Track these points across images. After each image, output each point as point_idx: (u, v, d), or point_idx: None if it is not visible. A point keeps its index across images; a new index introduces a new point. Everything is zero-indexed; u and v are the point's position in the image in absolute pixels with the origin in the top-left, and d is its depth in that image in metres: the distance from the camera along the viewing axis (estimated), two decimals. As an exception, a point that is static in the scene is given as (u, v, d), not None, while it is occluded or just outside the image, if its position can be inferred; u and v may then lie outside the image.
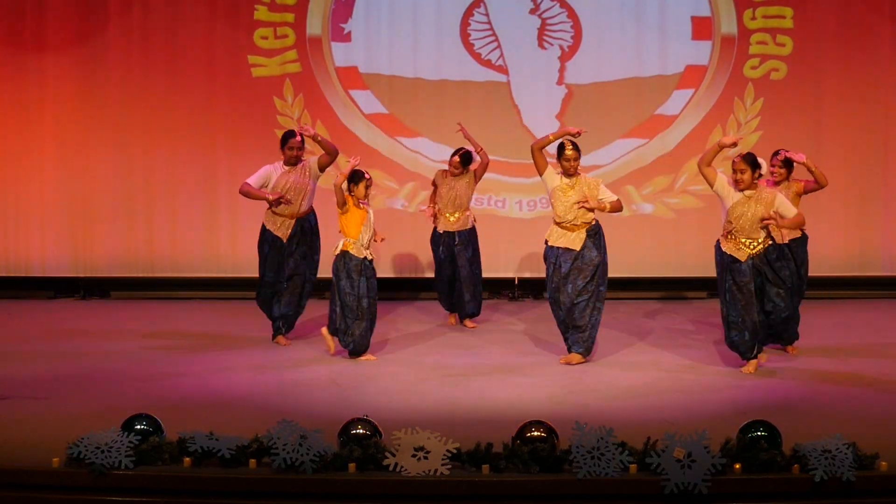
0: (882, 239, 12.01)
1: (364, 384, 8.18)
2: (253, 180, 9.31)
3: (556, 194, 8.70)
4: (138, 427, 6.15)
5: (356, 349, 8.97)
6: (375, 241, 9.09)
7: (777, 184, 9.01)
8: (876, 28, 12.12)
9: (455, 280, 10.43)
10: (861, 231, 12.19)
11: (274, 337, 9.57)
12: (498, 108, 12.26)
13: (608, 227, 11.71)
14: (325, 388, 8.07)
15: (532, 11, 12.26)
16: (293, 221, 9.35)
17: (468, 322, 10.50)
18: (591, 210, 8.73)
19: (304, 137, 9.27)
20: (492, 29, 12.29)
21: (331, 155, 9.31)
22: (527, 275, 12.38)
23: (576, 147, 8.65)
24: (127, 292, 12.48)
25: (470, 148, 10.37)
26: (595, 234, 8.78)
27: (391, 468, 5.90)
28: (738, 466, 5.90)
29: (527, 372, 8.61)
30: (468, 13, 12.29)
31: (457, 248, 10.38)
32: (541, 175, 8.77)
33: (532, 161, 8.82)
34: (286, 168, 9.32)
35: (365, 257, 8.96)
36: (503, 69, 12.28)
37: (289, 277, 9.43)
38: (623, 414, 7.21)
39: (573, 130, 8.64)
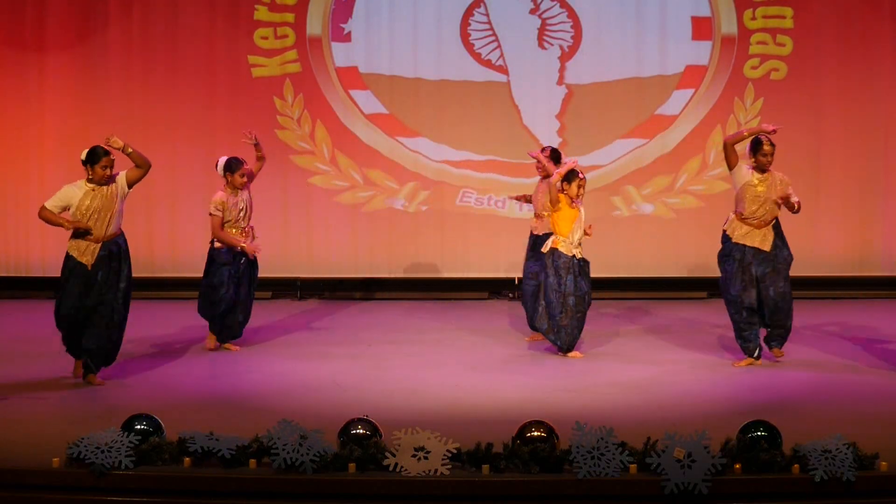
0: (882, 239, 12.01)
1: (364, 384, 8.18)
2: (52, 203, 8.17)
3: (747, 189, 8.63)
4: (138, 427, 6.15)
5: (563, 346, 9.02)
6: (587, 234, 9.11)
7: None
8: (876, 28, 12.12)
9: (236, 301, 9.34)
10: (861, 231, 12.18)
11: (84, 376, 8.26)
12: (498, 108, 12.26)
13: (607, 226, 11.72)
14: (325, 388, 8.07)
15: (532, 11, 12.26)
16: (98, 246, 8.15)
17: (233, 345, 9.49)
18: (778, 207, 8.71)
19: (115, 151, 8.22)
20: (492, 29, 12.29)
21: (143, 168, 8.33)
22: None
23: (772, 143, 8.63)
24: (127, 292, 12.46)
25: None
26: (780, 232, 8.77)
27: (391, 468, 5.90)
28: (738, 466, 5.90)
29: (527, 372, 8.62)
30: (468, 13, 12.28)
31: (244, 267, 9.40)
32: (731, 169, 8.68)
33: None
34: (90, 187, 8.15)
35: (574, 255, 8.99)
36: (503, 69, 12.28)
37: (94, 309, 8.17)
38: (623, 414, 7.22)
39: (769, 128, 8.59)
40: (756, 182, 8.64)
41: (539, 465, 5.91)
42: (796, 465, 5.89)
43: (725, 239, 8.76)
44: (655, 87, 12.20)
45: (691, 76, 12.19)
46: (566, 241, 8.99)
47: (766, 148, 8.60)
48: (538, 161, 9.63)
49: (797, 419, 6.97)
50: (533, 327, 9.66)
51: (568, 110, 12.24)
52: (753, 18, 12.14)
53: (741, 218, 8.70)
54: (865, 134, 12.10)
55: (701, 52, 12.18)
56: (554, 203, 8.99)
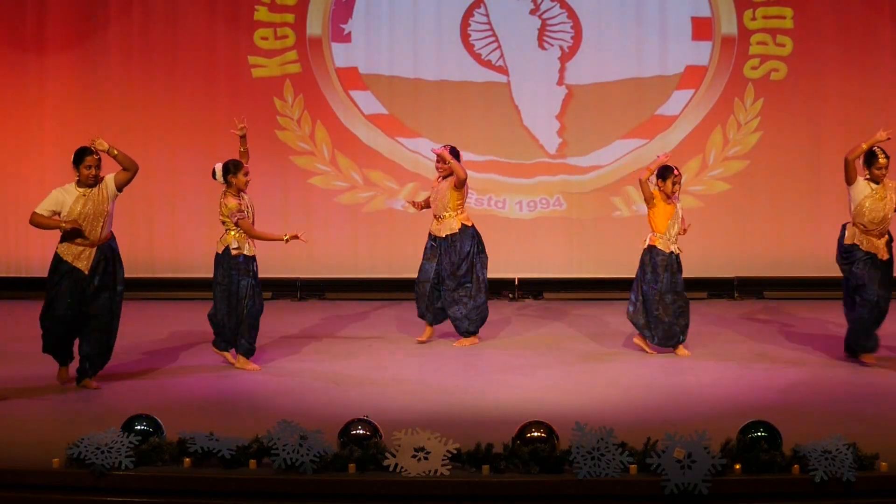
0: (882, 239, 12.00)
1: (364, 385, 8.18)
2: (42, 208, 8.12)
3: (867, 201, 8.65)
4: (138, 427, 6.16)
5: (659, 341, 9.11)
6: (681, 233, 9.15)
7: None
8: (876, 28, 12.12)
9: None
10: (861, 231, 12.17)
11: (79, 381, 8.15)
12: (498, 108, 12.25)
13: (608, 227, 11.73)
14: (325, 388, 8.07)
15: (532, 12, 12.26)
16: (94, 251, 8.13)
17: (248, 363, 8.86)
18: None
19: (101, 153, 8.20)
20: (492, 29, 12.29)
21: (130, 171, 8.25)
22: (526, 275, 12.37)
23: (887, 155, 8.64)
24: (127, 292, 12.38)
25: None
26: (891, 242, 8.81)
27: (391, 469, 5.91)
28: (738, 467, 5.91)
29: (527, 372, 8.62)
30: (468, 13, 12.28)
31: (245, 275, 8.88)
32: (850, 184, 8.71)
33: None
34: (81, 192, 8.13)
35: (672, 252, 9.06)
36: (503, 69, 12.27)
37: (92, 314, 8.15)
38: (623, 414, 7.22)
39: (884, 136, 8.60)
40: (874, 193, 8.64)
41: (539, 466, 5.91)
42: (796, 466, 5.90)
43: (853, 249, 8.74)
44: (655, 87, 12.20)
45: (691, 76, 12.19)
46: (663, 238, 9.07)
47: (882, 160, 8.62)
48: (440, 159, 9.50)
49: (797, 419, 6.97)
50: (426, 321, 9.69)
51: (568, 111, 12.24)
52: (753, 19, 12.14)
53: (865, 231, 8.71)
54: (865, 134, 11.95)
55: (701, 53, 12.18)
56: (647, 200, 9.05)
